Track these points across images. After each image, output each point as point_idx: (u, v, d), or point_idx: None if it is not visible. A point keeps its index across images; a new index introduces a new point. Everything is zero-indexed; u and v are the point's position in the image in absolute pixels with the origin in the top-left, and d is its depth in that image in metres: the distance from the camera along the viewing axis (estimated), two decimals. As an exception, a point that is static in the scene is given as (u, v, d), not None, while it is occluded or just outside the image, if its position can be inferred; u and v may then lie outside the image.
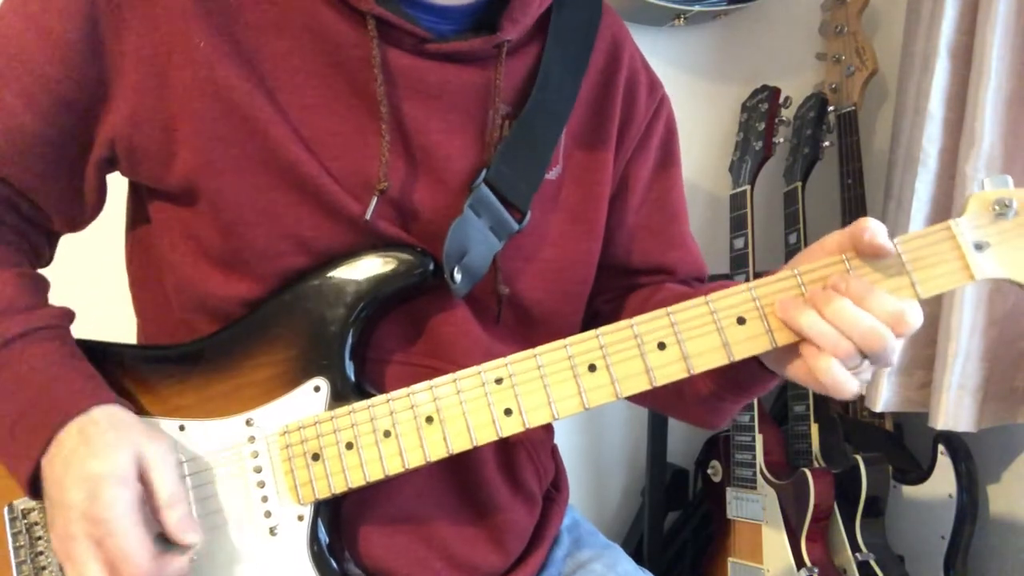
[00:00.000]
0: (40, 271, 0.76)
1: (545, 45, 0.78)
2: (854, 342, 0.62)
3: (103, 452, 0.61)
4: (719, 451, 1.57)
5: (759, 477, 1.46)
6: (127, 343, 0.74)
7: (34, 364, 0.66)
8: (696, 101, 1.70)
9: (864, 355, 0.62)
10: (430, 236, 0.72)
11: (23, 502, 0.68)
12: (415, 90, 0.72)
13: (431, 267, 0.71)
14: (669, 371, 0.65)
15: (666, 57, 1.66)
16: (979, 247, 0.63)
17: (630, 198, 0.86)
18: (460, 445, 0.66)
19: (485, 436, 0.66)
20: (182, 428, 0.69)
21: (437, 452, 0.66)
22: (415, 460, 0.66)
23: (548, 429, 0.89)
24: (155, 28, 0.67)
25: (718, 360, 0.65)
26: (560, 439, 0.91)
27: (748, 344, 0.65)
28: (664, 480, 1.63)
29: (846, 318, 0.62)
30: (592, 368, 0.65)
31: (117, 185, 0.78)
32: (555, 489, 0.90)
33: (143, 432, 0.65)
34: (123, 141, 0.70)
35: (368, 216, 0.69)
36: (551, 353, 0.66)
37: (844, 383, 0.63)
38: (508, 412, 0.66)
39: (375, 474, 0.66)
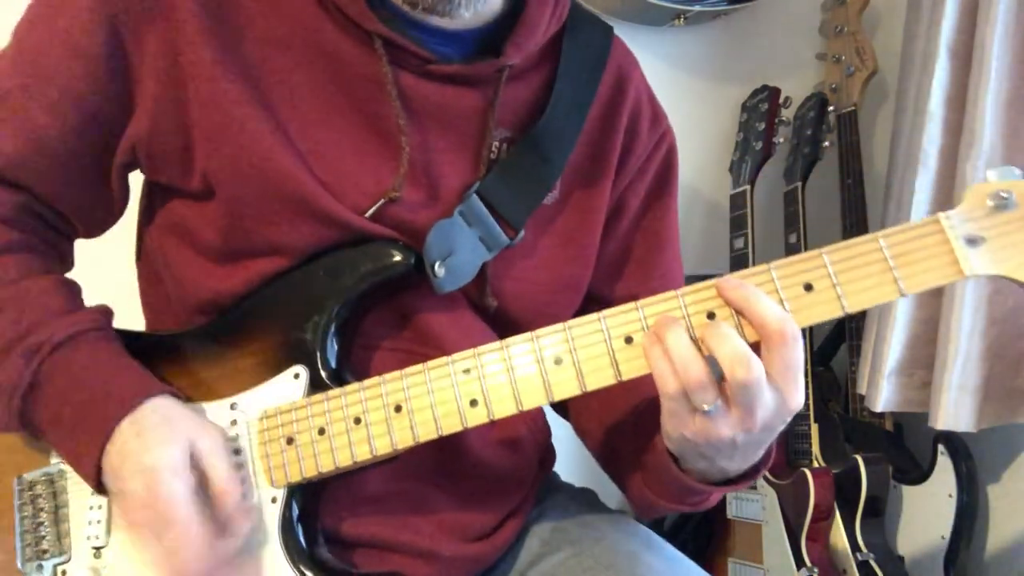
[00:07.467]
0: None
1: (557, 71, 0.79)
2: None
3: (156, 446, 0.64)
4: (719, 450, 1.56)
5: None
6: (125, 329, 0.76)
7: (86, 365, 0.68)
8: (696, 101, 1.71)
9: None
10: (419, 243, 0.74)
11: (32, 474, 0.72)
12: (416, 110, 0.74)
13: (413, 261, 0.72)
14: (636, 365, 0.65)
15: (666, 57, 1.67)
16: (972, 242, 0.60)
17: (619, 225, 0.86)
18: (426, 434, 0.67)
19: (450, 426, 0.66)
20: None
21: (404, 440, 0.67)
22: (382, 447, 0.67)
23: None
24: (169, 40, 0.70)
25: None
26: (560, 438, 0.92)
27: None
28: (664, 479, 1.63)
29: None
30: (558, 361, 0.65)
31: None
32: (547, 452, 0.91)
33: (194, 422, 0.68)
34: (144, 147, 0.73)
35: (369, 215, 0.71)
36: (519, 345, 0.66)
37: None
38: (474, 403, 0.66)
39: (344, 460, 0.68)
